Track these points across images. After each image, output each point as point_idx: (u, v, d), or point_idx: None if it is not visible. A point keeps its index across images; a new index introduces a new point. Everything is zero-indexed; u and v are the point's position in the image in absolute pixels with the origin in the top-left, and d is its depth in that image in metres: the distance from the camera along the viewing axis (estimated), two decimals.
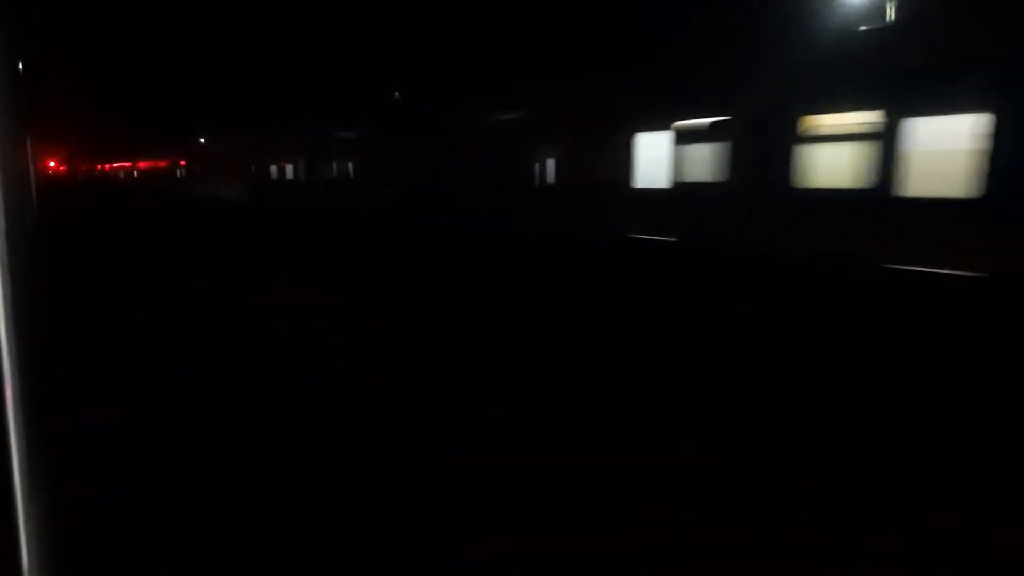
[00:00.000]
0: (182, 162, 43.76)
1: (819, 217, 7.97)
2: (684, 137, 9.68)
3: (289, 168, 26.21)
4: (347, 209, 20.80)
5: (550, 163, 12.89)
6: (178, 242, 18.99)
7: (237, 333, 8.20)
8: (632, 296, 10.02)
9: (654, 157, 10.24)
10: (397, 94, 30.75)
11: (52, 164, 74.23)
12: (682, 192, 9.72)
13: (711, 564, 3.49)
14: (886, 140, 7.32)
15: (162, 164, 48.50)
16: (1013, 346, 6.09)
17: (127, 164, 62.21)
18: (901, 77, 7.23)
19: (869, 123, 7.41)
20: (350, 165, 21.40)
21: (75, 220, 25.69)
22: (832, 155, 7.95)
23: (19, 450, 1.05)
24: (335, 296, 10.75)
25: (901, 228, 7.20)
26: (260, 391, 6.04)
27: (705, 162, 9.32)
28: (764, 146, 8.61)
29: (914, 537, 3.73)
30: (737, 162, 8.92)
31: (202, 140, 39.78)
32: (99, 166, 75.51)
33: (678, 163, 9.73)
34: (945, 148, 6.96)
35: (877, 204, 7.40)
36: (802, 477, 4.41)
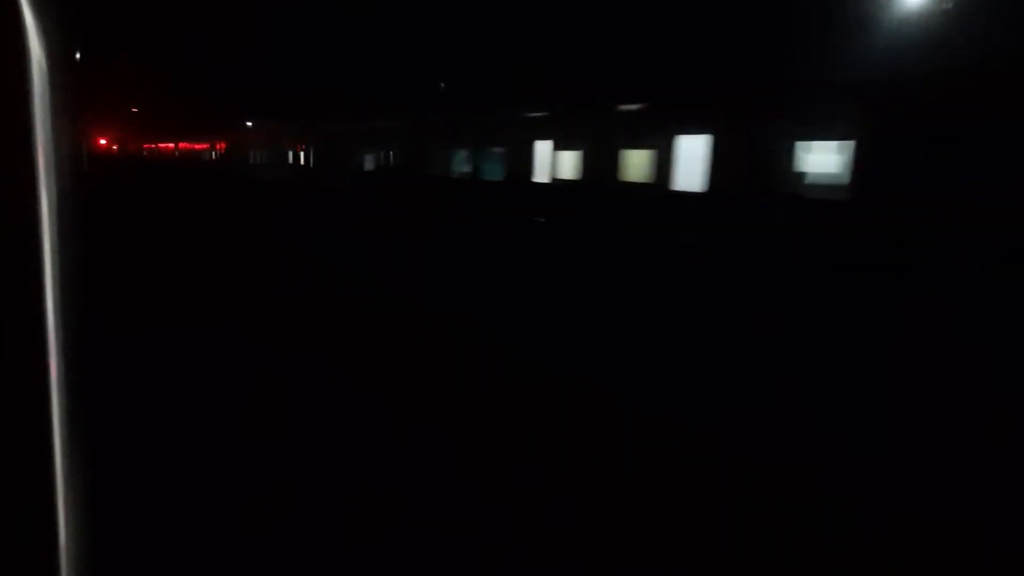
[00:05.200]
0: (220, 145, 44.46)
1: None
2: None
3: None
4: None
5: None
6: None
7: None
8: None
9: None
10: (443, 84, 30.80)
11: (103, 142, 75.94)
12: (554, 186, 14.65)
13: None
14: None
15: (199, 147, 49.33)
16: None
17: (170, 145, 63.47)
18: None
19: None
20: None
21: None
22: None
23: (61, 433, 1.05)
24: None
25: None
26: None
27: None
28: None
29: None
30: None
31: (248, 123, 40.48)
32: (147, 145, 77.20)
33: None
34: None
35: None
36: None
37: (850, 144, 8.78)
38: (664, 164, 11.45)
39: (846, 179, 8.78)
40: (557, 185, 14.17)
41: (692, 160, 10.97)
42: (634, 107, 12.38)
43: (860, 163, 8.62)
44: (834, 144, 9.11)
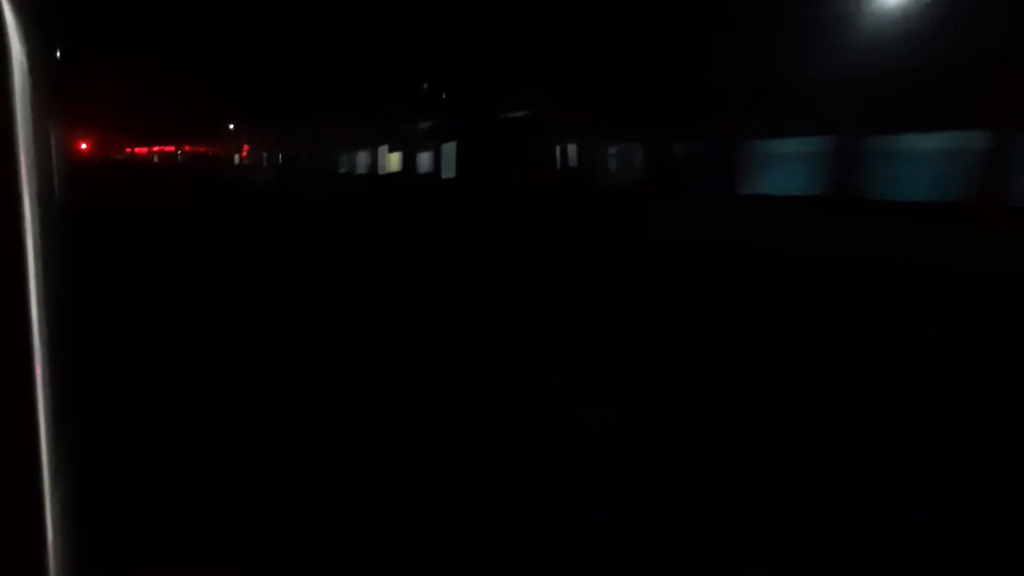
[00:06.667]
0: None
1: None
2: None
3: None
4: None
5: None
6: None
7: None
8: None
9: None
10: (426, 85, 31.36)
11: (84, 147, 73.82)
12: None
13: None
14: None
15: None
16: None
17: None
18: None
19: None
20: None
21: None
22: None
23: (47, 434, 1.06)
24: None
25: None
26: None
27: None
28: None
29: None
30: None
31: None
32: (128, 149, 76.34)
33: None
34: None
35: None
36: None
37: None
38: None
39: None
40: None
41: None
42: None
43: None
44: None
